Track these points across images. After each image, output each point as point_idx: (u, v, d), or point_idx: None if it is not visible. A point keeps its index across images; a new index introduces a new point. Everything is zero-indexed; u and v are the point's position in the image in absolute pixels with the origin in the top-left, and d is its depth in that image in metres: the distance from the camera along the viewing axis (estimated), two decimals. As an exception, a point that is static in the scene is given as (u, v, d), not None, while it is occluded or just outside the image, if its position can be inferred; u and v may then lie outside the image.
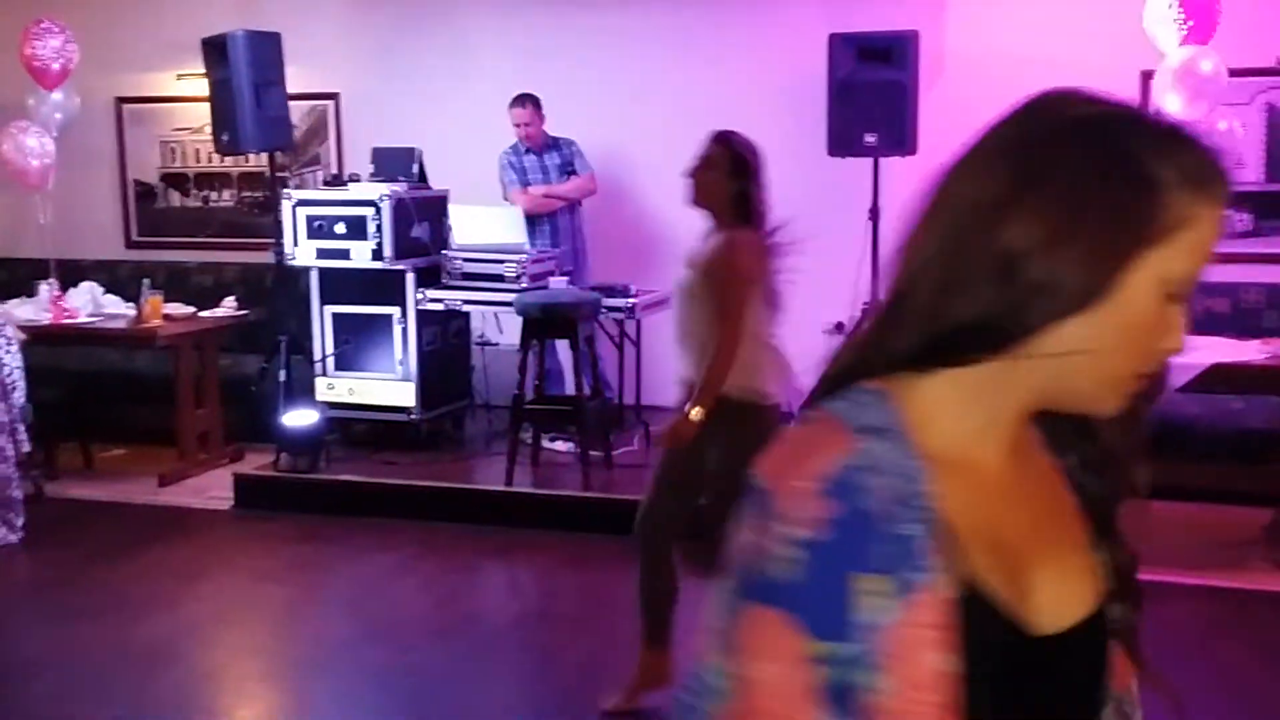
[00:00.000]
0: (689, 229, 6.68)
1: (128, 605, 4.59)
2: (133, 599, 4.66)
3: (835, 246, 6.44)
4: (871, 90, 5.92)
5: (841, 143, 6.02)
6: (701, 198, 3.62)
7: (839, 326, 6.20)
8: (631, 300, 6.07)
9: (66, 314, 6.25)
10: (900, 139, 5.91)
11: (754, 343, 3.51)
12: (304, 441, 5.87)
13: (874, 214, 6.11)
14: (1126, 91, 1.05)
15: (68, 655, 4.15)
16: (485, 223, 6.38)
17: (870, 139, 5.95)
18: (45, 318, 6.18)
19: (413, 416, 6.13)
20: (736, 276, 3.47)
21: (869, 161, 6.06)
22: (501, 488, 5.59)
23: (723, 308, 3.44)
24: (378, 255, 6.02)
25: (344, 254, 6.08)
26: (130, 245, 7.48)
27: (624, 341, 6.45)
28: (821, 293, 6.43)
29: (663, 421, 6.22)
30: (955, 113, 6.18)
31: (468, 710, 3.75)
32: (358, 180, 6.32)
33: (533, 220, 6.48)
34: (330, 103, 7.23)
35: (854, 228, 6.23)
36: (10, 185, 6.86)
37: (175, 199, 7.45)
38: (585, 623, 4.44)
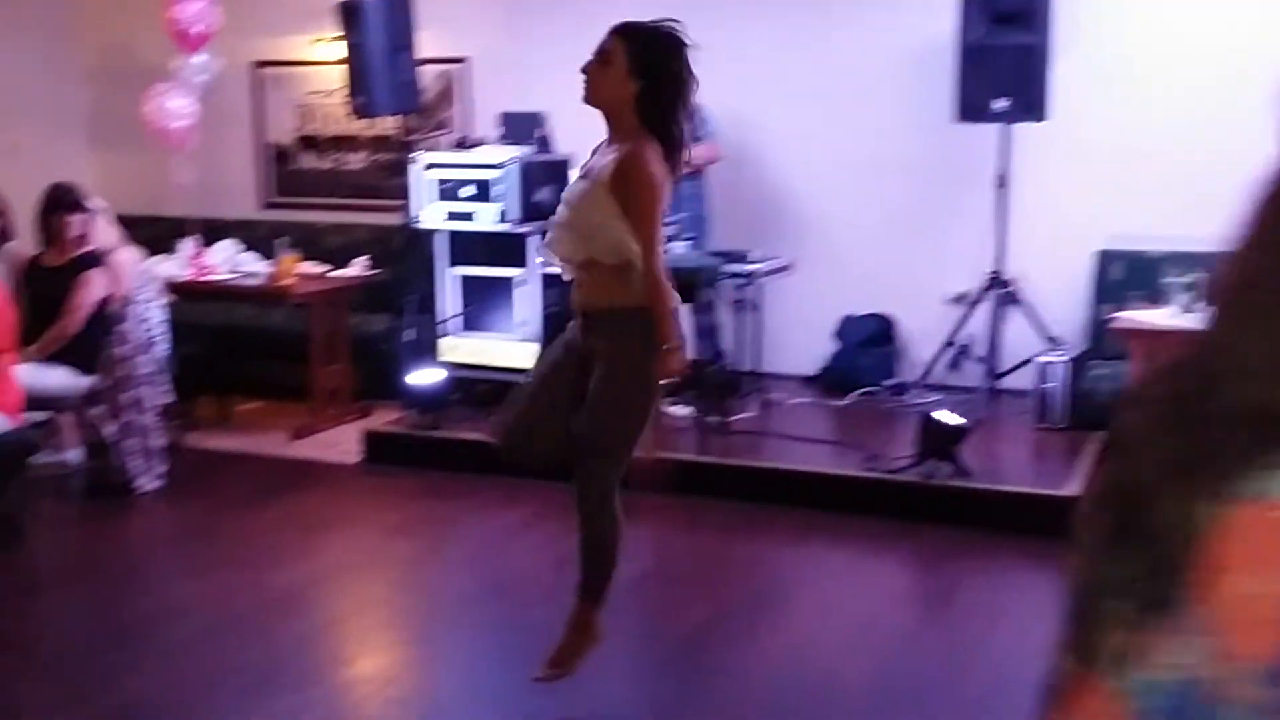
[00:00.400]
0: (812, 197, 6.71)
1: (261, 554, 4.78)
2: (265, 548, 4.86)
3: (958, 215, 6.35)
4: (1004, 54, 5.79)
5: (970, 108, 5.90)
6: (594, 96, 3.24)
7: (960, 298, 6.11)
8: (752, 266, 6.06)
9: (206, 271, 6.50)
10: (1032, 104, 5.78)
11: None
12: (429, 400, 6.01)
13: (1002, 182, 5.99)
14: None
15: (206, 601, 4.35)
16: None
17: (1001, 104, 5.83)
18: (186, 274, 6.44)
19: (534, 378, 6.22)
20: (652, 185, 3.15)
21: (995, 128, 5.94)
22: (620, 450, 5.66)
23: (643, 222, 3.15)
24: (503, 218, 6.11)
25: (470, 217, 6.18)
26: (266, 205, 7.71)
27: (743, 307, 6.45)
28: (942, 262, 6.36)
29: (767, 388, 6.27)
30: (1091, 78, 6.04)
31: (583, 668, 3.83)
32: (485, 144, 6.41)
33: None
34: (460, 66, 7.33)
35: (978, 196, 6.12)
36: (153, 146, 7.14)
37: (309, 160, 7.65)
38: (700, 586, 4.49)
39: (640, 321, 3.19)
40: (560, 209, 3.36)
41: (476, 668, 3.87)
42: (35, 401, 5.00)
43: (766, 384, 6.31)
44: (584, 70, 3.23)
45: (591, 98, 3.23)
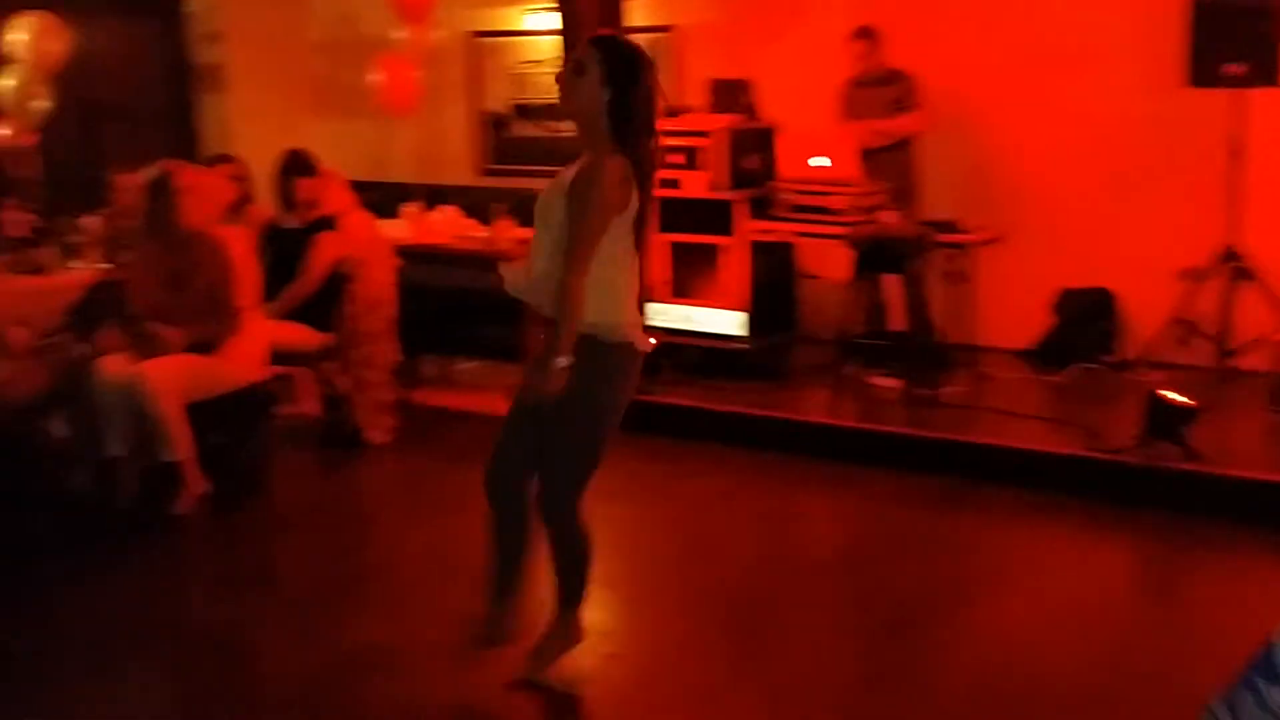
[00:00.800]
0: (1029, 164, 6.53)
1: (480, 508, 4.97)
2: (483, 503, 5.04)
3: (1188, 186, 6.08)
4: (1241, 16, 5.52)
5: (1203, 73, 5.65)
6: (566, 104, 3.22)
7: (1192, 272, 5.86)
8: (964, 236, 5.96)
9: (430, 234, 6.77)
10: (1271, 70, 5.49)
11: (620, 277, 3.21)
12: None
13: (1236, 151, 5.71)
14: None
15: (430, 549, 4.58)
16: (815, 155, 6.40)
17: (1235, 69, 5.56)
18: (411, 237, 6.72)
19: (743, 345, 6.27)
20: (601, 202, 3.08)
21: (1228, 94, 5.66)
22: (826, 420, 5.67)
23: (577, 235, 3.09)
24: (711, 186, 6.15)
25: (678, 184, 6.25)
26: (484, 172, 7.96)
27: (954, 279, 6.33)
28: (1172, 235, 6.10)
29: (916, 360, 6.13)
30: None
31: (784, 636, 3.88)
32: (692, 111, 6.46)
33: (863, 154, 6.45)
34: (668, 34, 7.39)
35: (1209, 166, 5.85)
36: (379, 114, 7.45)
37: (524, 128, 7.85)
38: (905, 562, 4.47)
39: (588, 344, 3.16)
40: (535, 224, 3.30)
41: (684, 628, 3.96)
42: (275, 356, 5.32)
43: (978, 357, 6.20)
44: (557, 79, 3.26)
45: (564, 106, 3.24)
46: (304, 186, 5.76)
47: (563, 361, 3.12)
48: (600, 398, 3.25)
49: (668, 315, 6.39)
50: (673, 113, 6.58)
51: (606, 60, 3.16)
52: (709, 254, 6.31)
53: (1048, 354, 6.27)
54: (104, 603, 4.09)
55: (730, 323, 6.28)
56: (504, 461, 3.46)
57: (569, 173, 3.22)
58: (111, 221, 5.97)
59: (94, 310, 5.60)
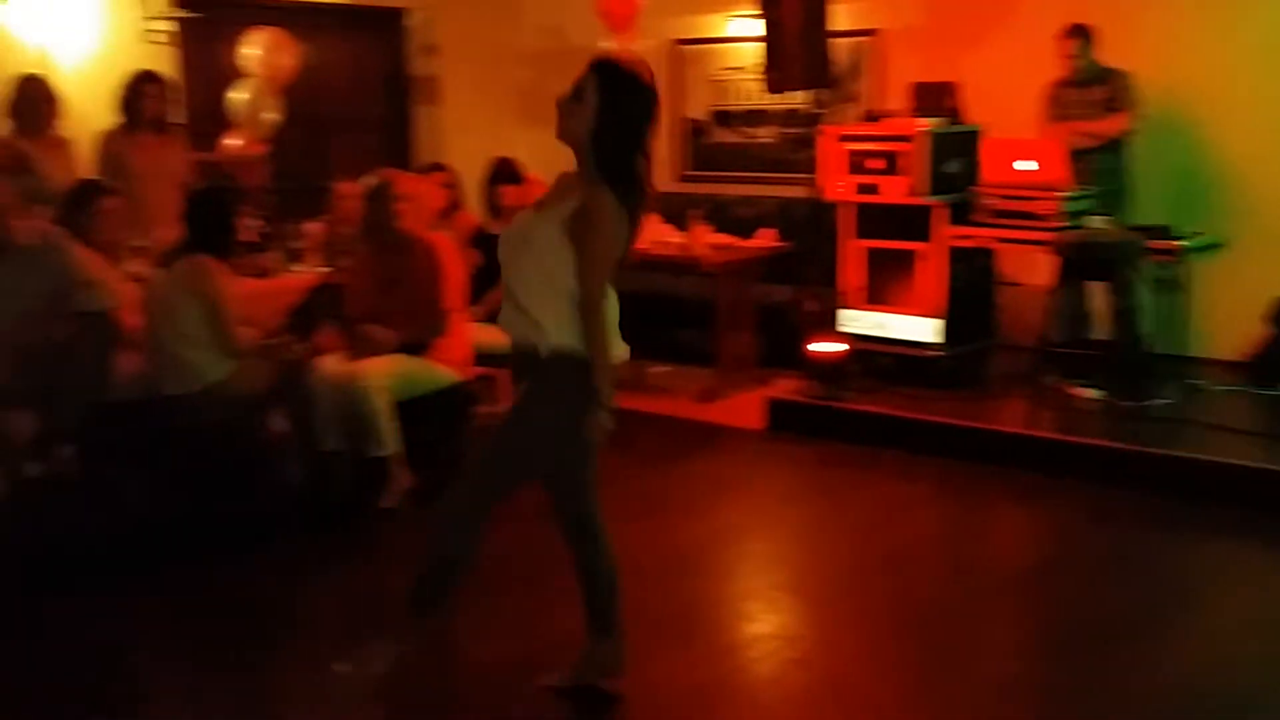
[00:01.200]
0: (1251, 168, 6.19)
1: (668, 509, 5.09)
2: (672, 503, 5.16)
3: None
4: None
5: None
6: (564, 132, 3.13)
7: None
8: (1180, 243, 5.70)
9: (626, 241, 6.91)
10: None
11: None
12: (830, 370, 6.12)
13: None
14: None
15: (618, 548, 4.68)
16: (1021, 158, 6.23)
17: None
18: (608, 243, 6.87)
19: (938, 352, 6.17)
20: (605, 245, 3.05)
21: None
22: (1024, 431, 5.53)
23: (591, 270, 3.05)
24: (911, 191, 6.08)
25: (877, 189, 6.20)
26: (682, 178, 8.07)
27: (1165, 286, 6.07)
28: None
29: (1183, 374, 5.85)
30: None
31: (974, 650, 3.82)
32: (894, 116, 6.40)
33: (1073, 156, 6.24)
34: (871, 38, 7.33)
35: None
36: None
37: (723, 135, 7.92)
38: (1107, 578, 4.32)
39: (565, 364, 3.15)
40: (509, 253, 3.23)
41: (870, 636, 3.94)
42: (478, 357, 5.54)
43: (1189, 369, 5.93)
44: (558, 104, 3.15)
45: (562, 133, 3.15)
46: (509, 193, 5.99)
47: (608, 400, 3.12)
48: (559, 417, 3.20)
49: (860, 321, 6.35)
50: (873, 117, 6.54)
51: (604, 87, 3.08)
52: (905, 260, 6.23)
53: (1262, 366, 5.94)
54: (315, 589, 4.37)
55: (926, 330, 6.18)
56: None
57: (561, 206, 3.12)
58: (331, 227, 6.34)
59: (313, 312, 5.97)
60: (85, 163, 5.56)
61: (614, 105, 3.07)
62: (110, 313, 4.32)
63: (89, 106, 5.74)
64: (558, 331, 3.13)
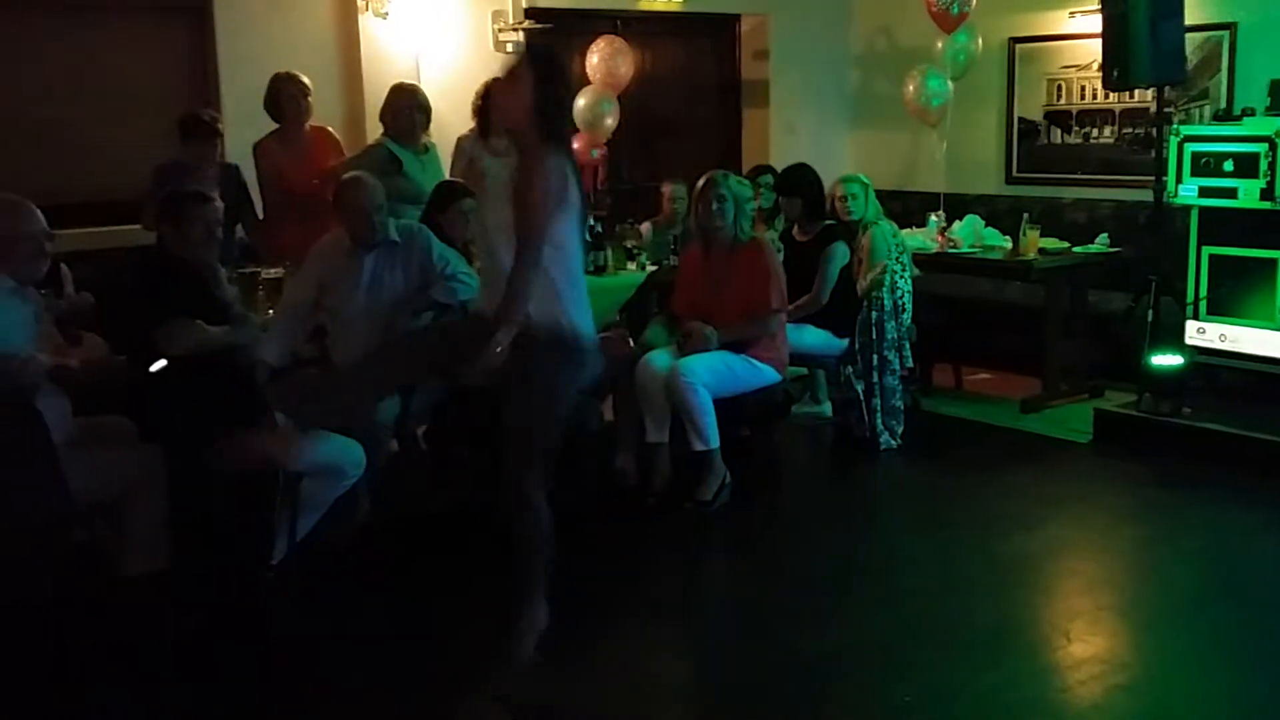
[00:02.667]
0: None
1: (988, 520, 4.98)
2: (993, 515, 5.05)
3: None
4: None
5: None
6: (504, 115, 3.47)
7: None
8: None
9: (950, 244, 6.81)
10: None
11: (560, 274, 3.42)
12: (1168, 384, 5.80)
13: None
14: None
15: (933, 557, 4.65)
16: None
17: None
18: (932, 247, 6.79)
19: (1290, 370, 5.73)
20: (541, 202, 3.33)
21: None
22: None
23: (523, 235, 3.34)
24: (1267, 195, 5.67)
25: (1230, 193, 5.81)
26: (1010, 180, 7.84)
27: None
28: None
29: None
30: None
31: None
32: (1251, 115, 5.98)
33: None
34: (1225, 33, 6.87)
35: None
36: (911, 124, 7.58)
37: (1056, 136, 7.64)
38: None
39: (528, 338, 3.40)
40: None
41: (1207, 670, 3.74)
42: (796, 358, 5.62)
43: None
44: (493, 89, 3.59)
45: (502, 117, 3.51)
46: (788, 205, 5.97)
47: (501, 350, 3.33)
48: (539, 389, 3.44)
49: (1206, 333, 5.97)
50: (1226, 116, 6.13)
51: (537, 67, 3.44)
52: (1261, 269, 5.80)
53: None
54: (635, 573, 4.57)
55: (1277, 344, 5.74)
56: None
57: (508, 172, 3.46)
58: (660, 227, 6.58)
59: (642, 308, 6.22)
60: (445, 167, 6.00)
61: (550, 81, 3.45)
62: (466, 305, 4.66)
63: (449, 115, 6.19)
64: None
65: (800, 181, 6.00)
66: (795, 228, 5.99)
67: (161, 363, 3.93)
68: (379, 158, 5.55)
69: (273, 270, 5.07)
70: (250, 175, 5.74)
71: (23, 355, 3.73)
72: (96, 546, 4.04)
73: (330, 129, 5.91)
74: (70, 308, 4.48)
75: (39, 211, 3.89)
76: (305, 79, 5.74)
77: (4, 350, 3.70)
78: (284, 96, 5.69)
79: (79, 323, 4.38)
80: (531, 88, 3.41)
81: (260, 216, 5.78)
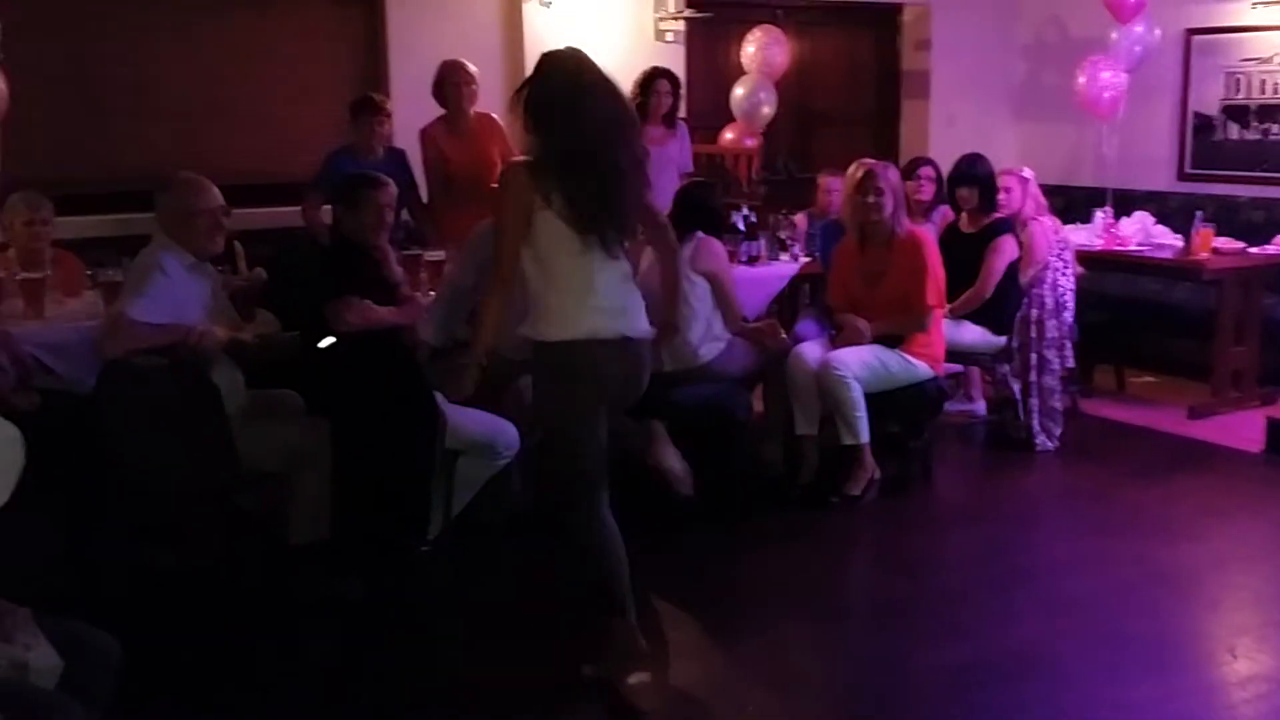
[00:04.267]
0: None
1: (1152, 528, 4.81)
2: (1157, 523, 4.87)
3: None
4: None
5: None
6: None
7: None
8: None
9: (1117, 241, 6.58)
10: None
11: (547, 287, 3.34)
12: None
13: None
14: None
15: (1092, 563, 4.51)
16: None
17: None
18: (1097, 244, 6.58)
19: None
20: (504, 210, 3.34)
21: None
22: None
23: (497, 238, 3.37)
24: None
25: None
26: (1182, 177, 7.54)
27: None
28: None
29: None
30: None
31: None
32: None
33: None
34: None
35: None
36: (1080, 116, 7.35)
37: (1234, 131, 7.32)
38: None
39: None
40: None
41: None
42: (951, 355, 5.51)
43: None
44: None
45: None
46: (964, 195, 5.83)
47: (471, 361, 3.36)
48: (554, 399, 3.39)
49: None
50: None
51: (534, 74, 3.36)
52: None
53: None
54: (778, 567, 4.55)
55: None
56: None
57: None
58: (815, 219, 6.52)
59: (796, 300, 6.19)
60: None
61: (535, 83, 3.34)
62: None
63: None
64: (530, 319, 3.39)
65: (979, 172, 5.81)
66: (965, 218, 5.83)
67: (330, 340, 4.06)
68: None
69: (435, 253, 5.19)
70: (416, 160, 5.90)
71: (200, 328, 3.91)
72: (263, 514, 4.21)
73: (494, 116, 6.02)
74: (245, 284, 4.67)
75: (216, 189, 4.07)
76: (471, 67, 5.87)
77: (182, 322, 3.89)
78: (450, 84, 5.83)
79: (253, 299, 4.57)
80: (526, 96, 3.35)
81: (425, 200, 5.93)
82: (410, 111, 5.97)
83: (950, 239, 5.88)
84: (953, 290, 5.61)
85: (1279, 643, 3.91)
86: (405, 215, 5.78)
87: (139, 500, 4.02)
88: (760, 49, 7.21)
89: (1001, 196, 5.78)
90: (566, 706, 3.51)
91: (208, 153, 5.91)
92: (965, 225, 5.82)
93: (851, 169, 5.26)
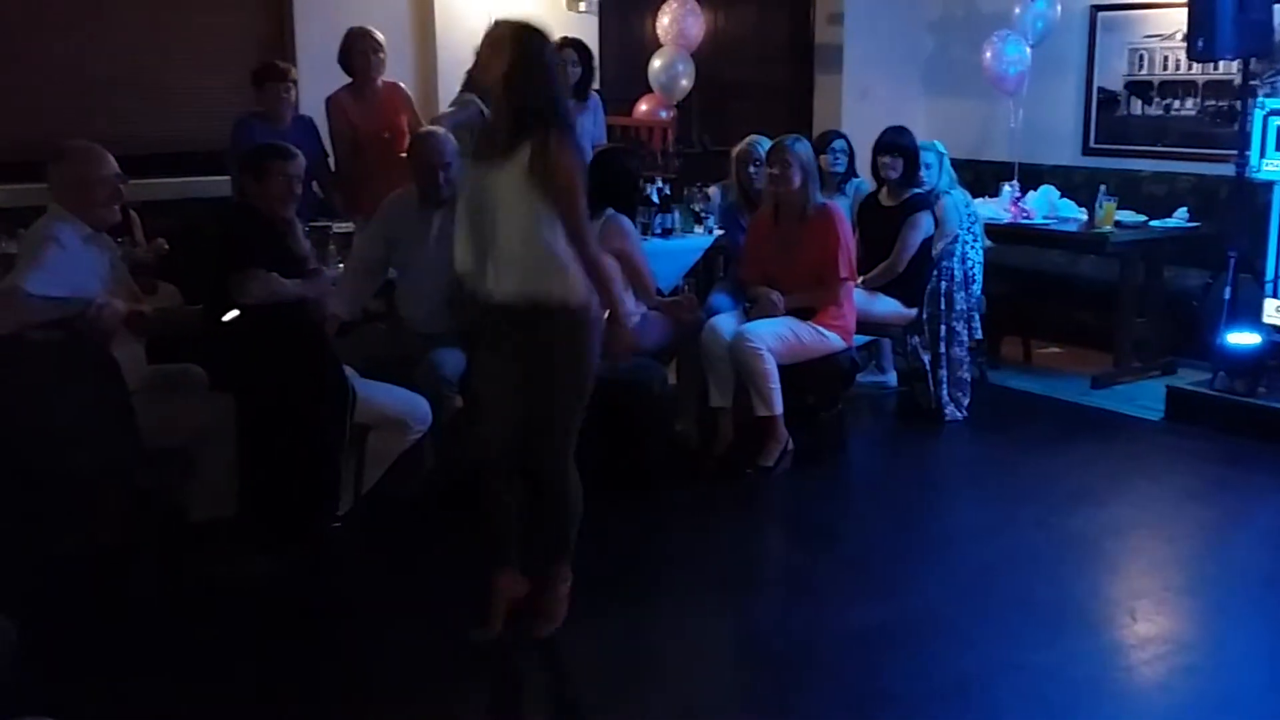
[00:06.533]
0: None
1: (1054, 496, 4.91)
2: (1059, 491, 4.97)
3: None
4: None
5: None
6: (514, 97, 3.29)
7: None
8: None
9: (1024, 215, 6.69)
10: None
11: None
12: (1244, 363, 5.69)
13: None
14: None
15: (996, 530, 4.60)
16: None
17: None
18: (1004, 217, 6.68)
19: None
20: (578, 175, 3.32)
21: None
22: None
23: (577, 219, 3.31)
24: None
25: (1318, 170, 5.66)
26: (1087, 151, 7.68)
27: None
28: None
29: None
30: None
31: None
32: (1342, 89, 5.80)
33: None
34: (1319, 3, 6.66)
35: None
36: (988, 91, 7.44)
37: (1137, 107, 7.47)
38: None
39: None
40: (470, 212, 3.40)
41: (1275, 652, 3.67)
42: (863, 326, 5.56)
43: None
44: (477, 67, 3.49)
45: (511, 99, 3.32)
46: (888, 163, 5.86)
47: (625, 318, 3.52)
48: (587, 367, 3.47)
49: (1285, 314, 5.83)
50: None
51: (520, 47, 3.29)
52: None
53: None
54: (691, 536, 4.58)
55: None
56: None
57: (513, 157, 3.26)
58: (726, 192, 6.52)
59: (710, 272, 6.20)
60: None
61: (528, 53, 3.30)
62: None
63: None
64: (546, 280, 3.33)
65: (905, 143, 5.83)
66: (885, 191, 5.86)
67: (234, 313, 3.97)
68: (474, 113, 5.50)
69: (343, 224, 5.11)
70: (323, 129, 5.78)
71: (98, 301, 3.80)
72: (165, 492, 4.11)
73: (401, 84, 5.92)
74: (145, 255, 4.54)
75: (111, 157, 3.95)
76: (378, 34, 5.76)
77: (80, 295, 3.77)
78: (357, 51, 5.72)
79: (154, 270, 4.45)
80: (508, 63, 3.29)
81: (333, 170, 5.82)
82: (317, 80, 5.85)
83: (869, 211, 5.93)
84: (870, 262, 5.68)
85: (1177, 605, 4.03)
86: (315, 188, 5.68)
87: (34, 481, 3.90)
88: (675, 20, 7.18)
89: (922, 171, 5.84)
90: (477, 679, 3.49)
91: (106, 122, 5.72)
92: (885, 198, 5.86)
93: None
